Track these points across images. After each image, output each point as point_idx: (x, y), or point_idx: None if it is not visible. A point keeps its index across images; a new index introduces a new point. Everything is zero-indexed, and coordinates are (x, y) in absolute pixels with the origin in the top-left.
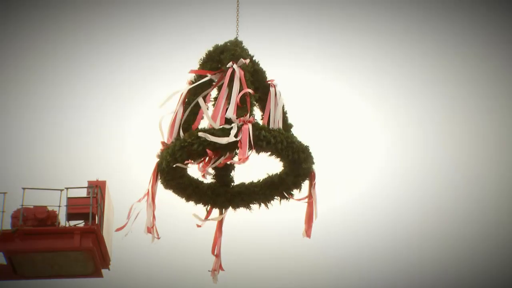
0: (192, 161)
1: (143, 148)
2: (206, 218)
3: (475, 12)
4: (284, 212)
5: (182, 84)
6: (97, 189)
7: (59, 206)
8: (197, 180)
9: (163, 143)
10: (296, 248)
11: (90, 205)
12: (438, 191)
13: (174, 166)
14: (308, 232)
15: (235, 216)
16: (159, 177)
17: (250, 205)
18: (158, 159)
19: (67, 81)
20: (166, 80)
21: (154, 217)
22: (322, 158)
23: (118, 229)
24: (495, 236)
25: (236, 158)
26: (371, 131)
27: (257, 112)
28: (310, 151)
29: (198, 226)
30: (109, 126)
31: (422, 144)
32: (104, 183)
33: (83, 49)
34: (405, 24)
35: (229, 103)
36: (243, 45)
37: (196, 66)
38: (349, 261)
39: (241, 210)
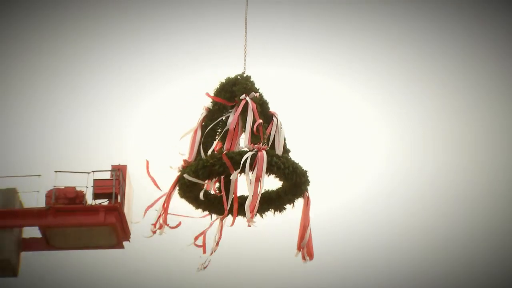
0: (210, 180)
1: (159, 134)
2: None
3: (479, 14)
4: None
5: (196, 78)
6: (119, 172)
7: (86, 187)
8: (207, 192)
9: (184, 160)
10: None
11: (113, 186)
12: (437, 191)
13: (193, 182)
14: (299, 248)
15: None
16: (177, 188)
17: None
18: (179, 173)
19: (95, 73)
20: (185, 69)
21: (166, 218)
22: (323, 159)
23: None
24: (494, 238)
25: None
26: (372, 131)
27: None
28: (308, 175)
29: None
30: (129, 116)
31: (422, 144)
32: (125, 167)
33: (110, 40)
34: (407, 25)
35: (244, 131)
36: (252, 79)
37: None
38: (348, 260)
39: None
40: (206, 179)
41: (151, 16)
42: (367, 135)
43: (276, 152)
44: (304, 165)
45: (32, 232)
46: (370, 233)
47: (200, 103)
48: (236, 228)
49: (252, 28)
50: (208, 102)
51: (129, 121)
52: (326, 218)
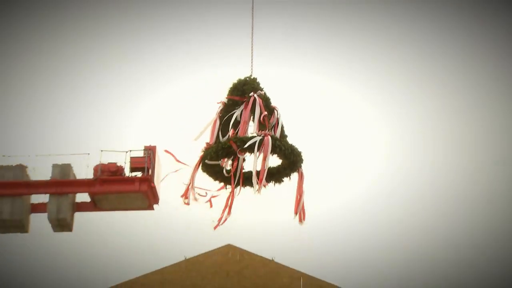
0: (225, 159)
1: (185, 119)
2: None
3: (479, 14)
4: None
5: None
6: (150, 151)
7: (125, 163)
8: (223, 168)
9: (207, 143)
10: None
11: (146, 162)
12: (437, 192)
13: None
14: (296, 212)
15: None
16: (201, 165)
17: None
18: (203, 153)
19: (129, 59)
20: (185, 69)
21: (192, 187)
22: (323, 158)
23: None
24: (494, 238)
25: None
26: (372, 131)
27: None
28: (302, 155)
29: (213, 196)
30: (158, 103)
31: (422, 144)
32: (155, 147)
33: (110, 40)
34: (407, 25)
35: (254, 122)
36: (258, 80)
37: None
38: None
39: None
40: (224, 158)
41: (157, 16)
42: (367, 135)
43: (281, 136)
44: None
45: (83, 197)
46: (370, 233)
47: (198, 103)
48: (244, 196)
49: (253, 29)
50: (223, 98)
51: (160, 105)
52: (326, 218)
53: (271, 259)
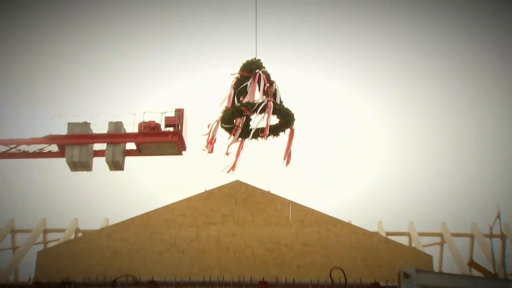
0: (239, 118)
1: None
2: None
3: (479, 14)
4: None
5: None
6: (179, 112)
7: (161, 121)
8: (237, 125)
9: (226, 107)
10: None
11: (176, 120)
12: (436, 193)
13: (229, 120)
14: (284, 158)
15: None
16: (220, 122)
17: (259, 138)
18: (222, 114)
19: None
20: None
21: (213, 141)
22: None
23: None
24: None
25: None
26: (371, 130)
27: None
28: (294, 116)
29: (227, 154)
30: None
31: (422, 144)
32: (183, 110)
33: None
34: (408, 25)
35: (259, 91)
36: (261, 61)
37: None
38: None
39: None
40: (238, 118)
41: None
42: (368, 134)
43: (278, 102)
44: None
45: (131, 146)
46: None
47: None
48: (251, 146)
49: (252, 28)
50: (236, 75)
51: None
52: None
53: (267, 190)
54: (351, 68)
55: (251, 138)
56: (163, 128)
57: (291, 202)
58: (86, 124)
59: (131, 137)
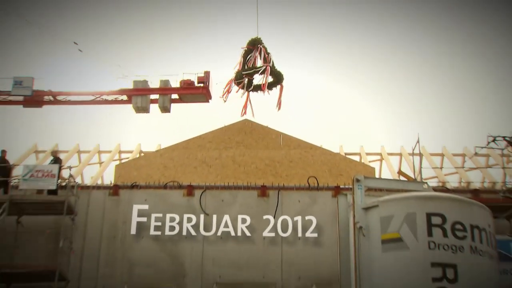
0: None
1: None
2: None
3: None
4: None
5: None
6: (207, 73)
7: (193, 81)
8: (245, 81)
9: (238, 69)
10: None
11: (204, 79)
12: (377, 123)
13: (241, 78)
14: (277, 105)
15: None
16: (234, 80)
17: (259, 91)
18: (235, 74)
19: None
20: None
21: (228, 93)
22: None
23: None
24: None
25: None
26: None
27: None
28: (283, 76)
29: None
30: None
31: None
32: (209, 72)
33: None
34: (408, 25)
35: (260, 59)
36: (261, 39)
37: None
38: None
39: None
40: (246, 77)
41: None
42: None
43: (273, 66)
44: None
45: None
46: None
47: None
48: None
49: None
50: (244, 48)
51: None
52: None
53: (266, 125)
54: (351, 67)
55: (253, 90)
56: (196, 84)
57: (282, 133)
58: (145, 82)
59: (175, 90)
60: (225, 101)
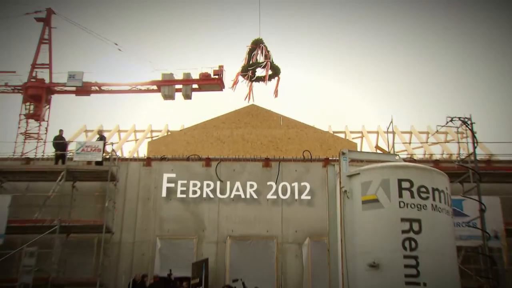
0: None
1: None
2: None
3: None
4: None
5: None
6: (221, 67)
7: (209, 73)
8: (249, 74)
9: (244, 64)
10: None
11: (219, 71)
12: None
13: (245, 71)
14: (274, 93)
15: None
16: (240, 73)
17: (261, 82)
18: (241, 68)
19: None
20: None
21: (236, 83)
22: None
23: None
24: None
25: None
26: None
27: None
28: (280, 69)
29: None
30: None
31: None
32: (223, 66)
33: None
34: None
35: (262, 56)
36: (262, 39)
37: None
38: None
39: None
40: (250, 70)
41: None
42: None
43: (272, 61)
44: None
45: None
46: None
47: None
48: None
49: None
50: (249, 46)
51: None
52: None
53: (269, 109)
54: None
55: (256, 81)
56: (212, 76)
57: (282, 115)
58: (171, 74)
59: (195, 81)
60: (233, 90)
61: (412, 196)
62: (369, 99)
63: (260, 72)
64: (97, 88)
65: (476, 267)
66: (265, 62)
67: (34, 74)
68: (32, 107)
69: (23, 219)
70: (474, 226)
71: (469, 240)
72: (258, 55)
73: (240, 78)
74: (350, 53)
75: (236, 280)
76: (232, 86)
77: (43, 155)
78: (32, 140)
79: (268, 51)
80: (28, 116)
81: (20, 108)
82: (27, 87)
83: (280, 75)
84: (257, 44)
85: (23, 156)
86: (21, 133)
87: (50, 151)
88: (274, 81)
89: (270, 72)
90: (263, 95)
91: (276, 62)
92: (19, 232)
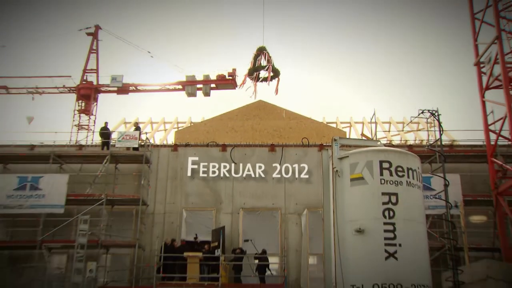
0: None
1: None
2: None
3: None
4: None
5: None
6: (234, 70)
7: (227, 74)
8: (254, 75)
9: (250, 67)
10: None
11: (232, 73)
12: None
13: (252, 73)
14: (275, 90)
15: None
16: (247, 74)
17: (264, 82)
18: (248, 70)
19: None
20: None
21: (244, 83)
22: None
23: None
24: None
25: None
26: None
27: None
28: (280, 72)
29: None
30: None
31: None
32: (235, 69)
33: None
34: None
35: (265, 60)
36: (266, 47)
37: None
38: None
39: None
40: (257, 71)
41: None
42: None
43: (273, 65)
44: None
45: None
46: None
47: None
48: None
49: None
50: (254, 52)
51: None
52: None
53: (273, 104)
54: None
55: (261, 81)
56: (226, 77)
57: (284, 109)
58: (193, 76)
59: (213, 81)
60: (241, 88)
61: (391, 175)
62: (356, 94)
63: (263, 74)
64: (134, 88)
65: (440, 230)
66: (267, 66)
67: (85, 78)
68: (83, 104)
69: (78, 194)
70: (439, 198)
71: (435, 209)
72: (262, 60)
73: (247, 78)
74: (341, 55)
75: (247, 240)
76: (240, 85)
77: (92, 143)
78: (83, 131)
79: (270, 57)
80: (80, 111)
81: (74, 105)
82: (79, 88)
83: (280, 76)
84: (261, 51)
85: (77, 144)
86: (75, 125)
87: (97, 139)
88: (274, 81)
89: (271, 74)
90: (266, 93)
91: (276, 65)
92: (75, 204)
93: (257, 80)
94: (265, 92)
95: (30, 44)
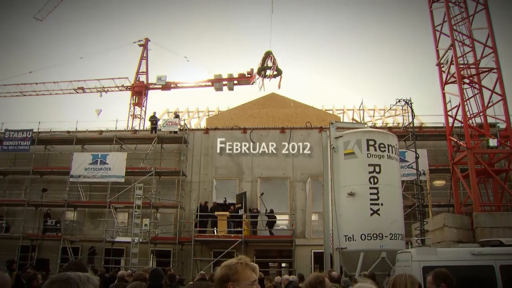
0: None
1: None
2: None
3: None
4: None
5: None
6: (252, 69)
7: (244, 73)
8: (262, 73)
9: (259, 67)
10: None
11: (251, 72)
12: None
13: (262, 70)
14: (278, 85)
15: None
16: (257, 73)
17: (269, 79)
18: (258, 68)
19: None
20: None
21: (253, 79)
22: None
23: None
24: None
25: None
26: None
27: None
28: (282, 71)
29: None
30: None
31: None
32: (253, 68)
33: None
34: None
35: (271, 62)
36: (272, 51)
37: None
38: None
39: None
40: (264, 70)
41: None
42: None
43: (277, 66)
44: None
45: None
46: None
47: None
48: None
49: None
50: (262, 55)
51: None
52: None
53: (283, 95)
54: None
55: (267, 78)
56: (246, 75)
57: (292, 99)
58: (220, 74)
59: (235, 78)
60: (252, 84)
61: (375, 150)
62: (348, 88)
63: (269, 72)
64: (174, 85)
65: (412, 192)
66: (273, 66)
67: (137, 78)
68: (136, 98)
69: (134, 167)
70: (411, 167)
71: (408, 176)
72: (268, 61)
73: (257, 75)
74: (338, 55)
75: (262, 194)
76: (252, 82)
77: (143, 128)
78: (137, 119)
79: (275, 59)
80: (134, 104)
81: (129, 99)
82: (133, 86)
83: (282, 75)
84: (268, 54)
85: (132, 129)
86: (130, 115)
87: (147, 125)
88: (278, 78)
89: (275, 73)
90: (271, 88)
91: (280, 65)
92: (132, 175)
93: (264, 77)
94: (270, 86)
95: (100, 55)
